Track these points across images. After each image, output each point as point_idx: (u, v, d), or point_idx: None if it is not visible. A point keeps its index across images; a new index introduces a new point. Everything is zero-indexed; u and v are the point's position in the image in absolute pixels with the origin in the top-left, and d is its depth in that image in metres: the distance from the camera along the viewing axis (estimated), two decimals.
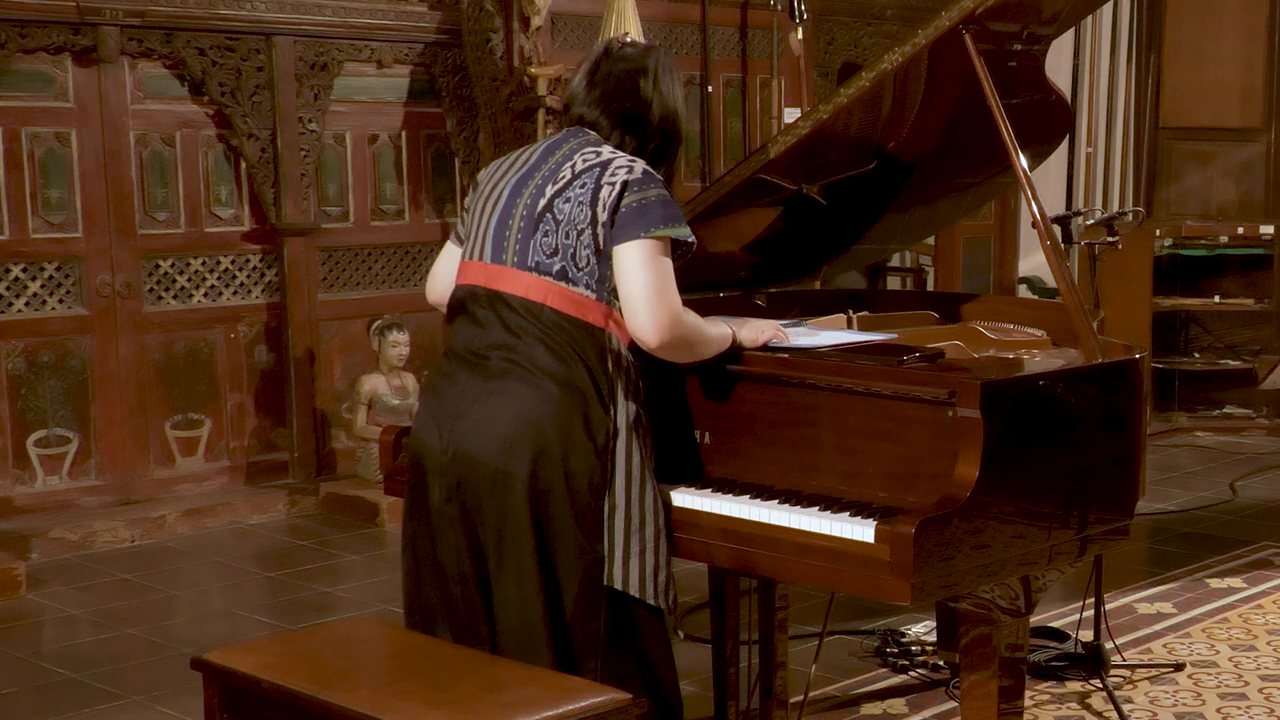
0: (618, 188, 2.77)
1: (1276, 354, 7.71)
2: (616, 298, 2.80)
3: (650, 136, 2.92)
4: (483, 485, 2.78)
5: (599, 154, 2.84)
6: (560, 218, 2.78)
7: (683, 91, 3.00)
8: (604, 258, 2.78)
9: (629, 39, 2.99)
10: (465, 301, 2.89)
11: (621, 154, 2.85)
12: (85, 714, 4.13)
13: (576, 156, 2.84)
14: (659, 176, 2.83)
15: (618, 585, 2.79)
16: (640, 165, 2.82)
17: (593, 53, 2.98)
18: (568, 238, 2.78)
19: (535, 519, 2.75)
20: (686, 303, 2.81)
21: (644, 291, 2.74)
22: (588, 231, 2.77)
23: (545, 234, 2.80)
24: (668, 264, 2.78)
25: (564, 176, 2.81)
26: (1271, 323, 8.14)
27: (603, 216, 2.76)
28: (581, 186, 2.79)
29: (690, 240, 2.81)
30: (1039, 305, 3.85)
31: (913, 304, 3.83)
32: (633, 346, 2.84)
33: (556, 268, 2.78)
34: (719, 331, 2.92)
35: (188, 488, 6.27)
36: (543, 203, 2.81)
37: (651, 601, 2.82)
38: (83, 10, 5.81)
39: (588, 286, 2.78)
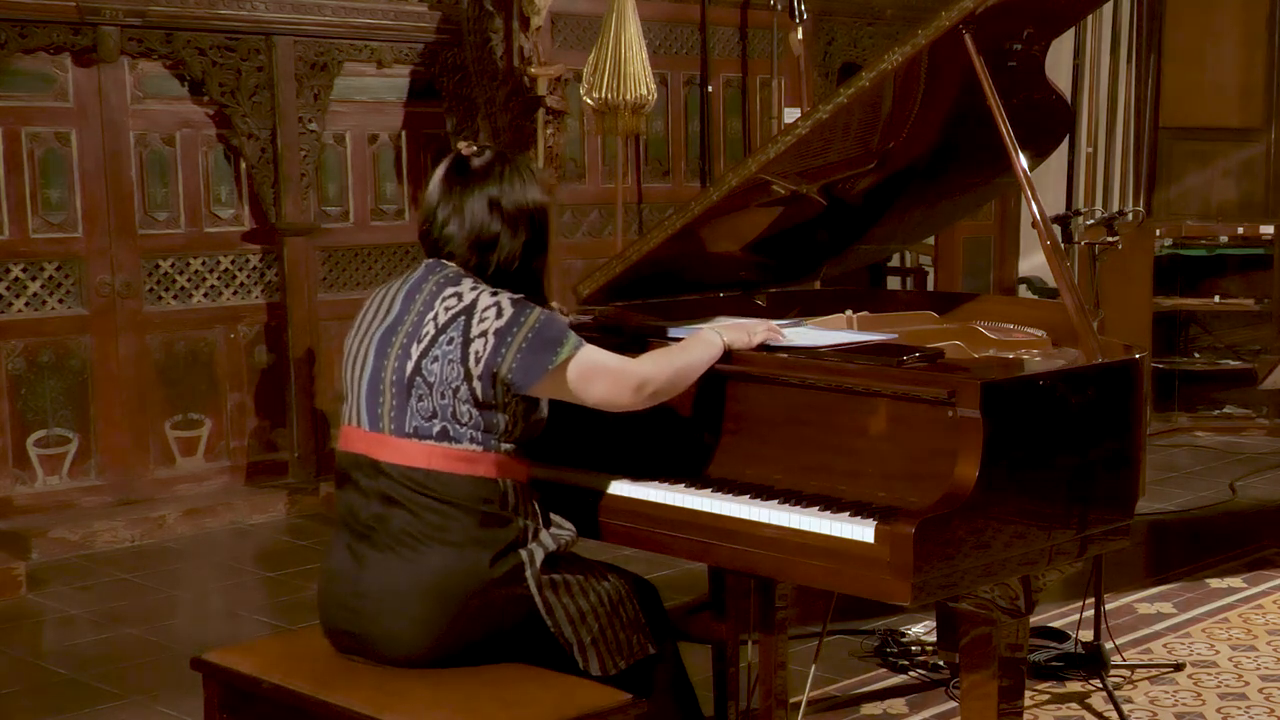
0: (491, 340, 2.69)
1: (1276, 354, 7.70)
2: (507, 440, 2.74)
3: (508, 260, 2.82)
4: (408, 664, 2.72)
5: (460, 298, 2.74)
6: (431, 380, 2.70)
7: (539, 186, 2.87)
8: (486, 407, 2.70)
9: (474, 147, 2.88)
10: (349, 471, 2.80)
11: (483, 291, 2.75)
12: (85, 714, 4.12)
13: (438, 305, 2.75)
14: (526, 302, 2.75)
15: (595, 672, 2.77)
16: (505, 301, 2.73)
17: (443, 164, 2.89)
18: (443, 398, 2.70)
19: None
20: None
21: (605, 393, 2.77)
22: (463, 388, 2.69)
23: (419, 398, 2.71)
24: (593, 352, 2.76)
25: (427, 333, 2.73)
26: (1271, 323, 8.14)
27: (477, 370, 2.68)
28: (449, 343, 2.71)
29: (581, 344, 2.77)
30: (1039, 305, 3.84)
31: (913, 304, 3.83)
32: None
33: (437, 429, 2.71)
34: (698, 354, 2.89)
35: (188, 488, 6.26)
36: (410, 366, 2.72)
37: (624, 666, 2.82)
38: (83, 10, 5.81)
39: (473, 440, 2.71)
